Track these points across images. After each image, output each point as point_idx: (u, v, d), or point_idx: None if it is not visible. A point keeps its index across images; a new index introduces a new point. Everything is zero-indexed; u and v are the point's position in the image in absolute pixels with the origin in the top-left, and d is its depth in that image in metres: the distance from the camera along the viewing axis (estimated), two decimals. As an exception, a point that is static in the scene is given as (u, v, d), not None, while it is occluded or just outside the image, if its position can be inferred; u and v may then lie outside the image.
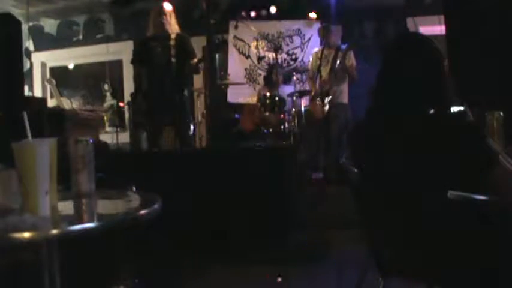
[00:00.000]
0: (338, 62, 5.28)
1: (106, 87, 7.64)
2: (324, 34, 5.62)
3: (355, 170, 1.61)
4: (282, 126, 5.20)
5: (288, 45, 6.78)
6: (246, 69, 6.86)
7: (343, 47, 5.42)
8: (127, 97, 6.57)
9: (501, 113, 2.07)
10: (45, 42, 7.90)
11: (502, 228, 1.39)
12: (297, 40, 6.78)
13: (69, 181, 1.39)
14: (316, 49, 5.87)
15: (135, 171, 3.48)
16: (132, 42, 7.43)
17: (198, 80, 6.90)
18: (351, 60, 5.35)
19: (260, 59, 6.81)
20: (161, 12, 4.57)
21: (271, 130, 5.17)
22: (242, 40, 6.86)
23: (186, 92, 4.73)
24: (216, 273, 3.00)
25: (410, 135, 1.42)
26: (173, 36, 4.55)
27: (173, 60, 4.51)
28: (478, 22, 3.47)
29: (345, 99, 5.46)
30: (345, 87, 5.46)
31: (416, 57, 1.50)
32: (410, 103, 1.47)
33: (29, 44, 7.87)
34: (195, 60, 4.62)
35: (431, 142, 1.38)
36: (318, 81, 5.70)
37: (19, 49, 4.17)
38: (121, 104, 7.13)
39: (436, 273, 1.41)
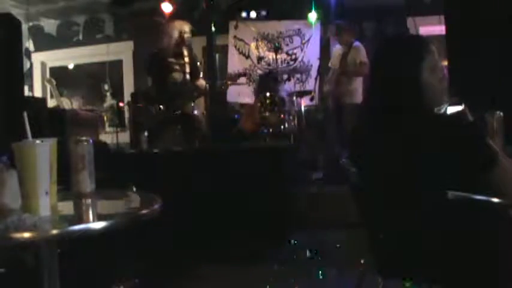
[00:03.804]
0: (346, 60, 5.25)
1: (106, 87, 7.64)
2: (338, 33, 5.52)
3: (355, 170, 1.60)
4: (282, 126, 5.19)
5: (287, 45, 6.77)
6: (246, 69, 6.86)
7: (356, 44, 5.34)
8: (127, 97, 6.58)
9: (501, 113, 2.07)
10: (45, 42, 7.90)
11: (502, 228, 1.39)
12: (296, 40, 6.78)
13: (69, 181, 1.39)
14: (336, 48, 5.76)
15: (135, 171, 3.48)
16: (132, 42, 7.46)
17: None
18: (360, 57, 5.27)
19: (260, 59, 6.81)
20: (182, 30, 4.75)
21: (271, 130, 5.16)
22: (242, 40, 6.86)
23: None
24: (216, 273, 3.00)
25: (409, 135, 1.42)
26: (186, 53, 4.77)
27: (187, 77, 4.76)
28: (478, 22, 3.47)
29: (357, 99, 5.38)
30: (357, 87, 5.38)
31: (409, 56, 1.50)
32: (406, 103, 1.47)
33: (29, 44, 7.87)
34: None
35: (431, 142, 1.38)
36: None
37: (19, 49, 4.17)
38: (121, 104, 7.13)
39: (436, 273, 1.41)
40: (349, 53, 5.28)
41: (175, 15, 5.92)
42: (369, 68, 5.56)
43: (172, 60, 4.71)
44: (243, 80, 6.62)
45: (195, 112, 4.93)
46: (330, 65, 5.63)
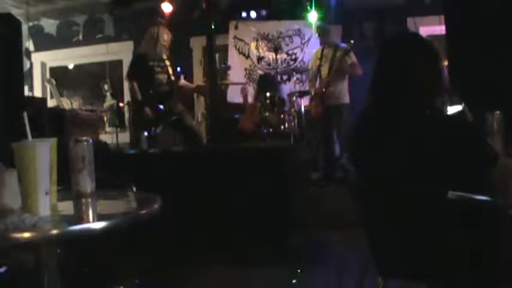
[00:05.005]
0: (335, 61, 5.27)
1: (106, 87, 7.63)
2: (321, 33, 5.62)
3: (355, 170, 1.60)
4: (282, 126, 5.19)
5: (287, 45, 6.76)
6: (246, 69, 6.85)
7: (342, 45, 5.39)
8: (127, 97, 6.57)
9: (501, 113, 2.07)
10: (45, 42, 7.90)
11: (501, 228, 1.39)
12: (296, 40, 6.77)
13: (69, 181, 1.38)
14: (315, 49, 5.86)
15: (135, 171, 3.48)
16: (132, 42, 7.45)
17: (198, 80, 6.90)
18: (351, 58, 5.29)
19: (260, 59, 6.81)
20: (168, 34, 4.95)
21: (271, 130, 5.16)
22: (242, 40, 6.85)
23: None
24: (216, 273, 2.99)
25: (410, 135, 1.42)
26: (165, 56, 4.98)
27: (172, 79, 4.95)
28: (478, 22, 3.47)
29: (345, 99, 5.42)
30: (345, 88, 5.42)
31: (410, 56, 1.51)
32: (407, 102, 1.47)
33: (29, 44, 7.87)
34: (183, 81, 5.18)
35: (431, 142, 1.38)
36: (318, 82, 5.70)
37: (19, 49, 4.17)
38: (121, 104, 7.13)
39: (436, 273, 1.41)
40: (335, 55, 5.30)
41: (174, 16, 5.93)
42: (360, 69, 5.60)
43: (154, 63, 4.87)
44: (242, 79, 6.63)
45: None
46: (309, 67, 5.73)
